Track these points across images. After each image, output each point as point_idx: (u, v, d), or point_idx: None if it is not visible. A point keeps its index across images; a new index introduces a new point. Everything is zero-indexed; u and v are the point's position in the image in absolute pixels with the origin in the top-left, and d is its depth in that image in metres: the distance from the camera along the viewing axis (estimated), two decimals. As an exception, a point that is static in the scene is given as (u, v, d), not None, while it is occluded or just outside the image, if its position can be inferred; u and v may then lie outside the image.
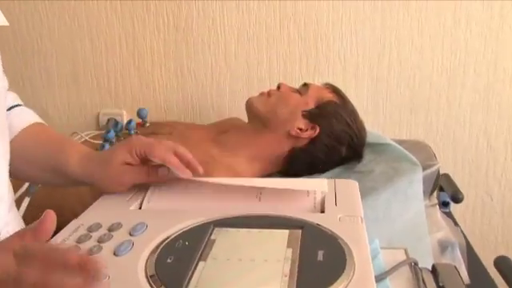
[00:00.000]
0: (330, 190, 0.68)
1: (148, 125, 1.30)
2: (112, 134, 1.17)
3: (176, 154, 0.70)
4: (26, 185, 1.08)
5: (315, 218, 0.60)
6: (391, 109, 1.56)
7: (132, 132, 1.22)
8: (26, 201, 1.07)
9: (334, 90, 1.25)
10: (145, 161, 0.72)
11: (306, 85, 1.26)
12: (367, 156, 1.22)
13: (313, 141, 1.18)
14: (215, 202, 0.68)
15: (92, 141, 1.22)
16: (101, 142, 1.18)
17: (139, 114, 1.31)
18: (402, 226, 0.95)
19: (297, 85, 1.34)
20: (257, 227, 0.58)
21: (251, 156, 1.19)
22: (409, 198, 1.05)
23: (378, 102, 1.56)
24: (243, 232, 0.58)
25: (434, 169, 1.15)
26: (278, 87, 1.26)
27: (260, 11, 1.50)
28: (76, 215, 1.03)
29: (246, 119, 1.40)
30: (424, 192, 1.08)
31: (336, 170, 1.20)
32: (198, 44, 1.55)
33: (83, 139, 1.25)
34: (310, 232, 0.57)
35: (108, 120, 1.61)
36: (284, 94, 1.23)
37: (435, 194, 1.21)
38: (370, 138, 1.25)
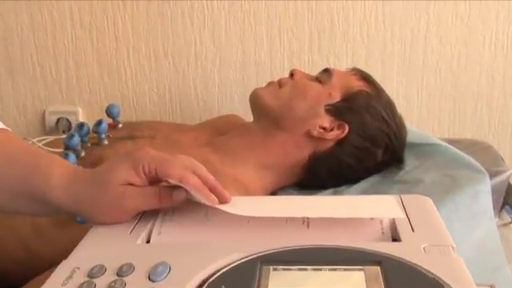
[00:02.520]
0: (396, 210, 0.68)
1: (121, 126, 1.27)
2: (76, 139, 1.14)
3: (195, 174, 0.69)
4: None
5: (391, 250, 0.59)
6: (429, 99, 1.56)
7: (103, 136, 1.19)
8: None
9: (364, 77, 1.25)
10: (153, 181, 0.70)
11: (327, 71, 1.26)
12: (410, 161, 1.22)
13: (340, 143, 1.18)
14: (249, 232, 0.67)
15: (47, 148, 1.19)
16: (61, 150, 1.14)
17: (109, 111, 1.28)
18: (470, 252, 0.95)
19: (306, 70, 1.33)
20: (318, 264, 0.57)
21: (260, 164, 1.18)
22: (475, 215, 1.05)
23: (412, 90, 1.56)
24: (301, 270, 0.56)
25: (504, 177, 1.16)
26: (291, 74, 1.25)
27: (258, -25, 1.50)
28: (30, 250, 1.01)
29: (245, 116, 1.39)
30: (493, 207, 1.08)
31: (371, 180, 1.20)
32: (178, 18, 1.53)
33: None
34: (392, 269, 0.55)
35: (58, 120, 1.60)
36: (300, 84, 1.22)
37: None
38: (410, 138, 1.25)
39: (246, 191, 1.10)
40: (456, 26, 1.52)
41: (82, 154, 1.16)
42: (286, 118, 1.18)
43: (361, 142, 1.18)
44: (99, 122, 1.19)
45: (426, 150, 1.24)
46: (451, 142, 1.28)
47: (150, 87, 1.58)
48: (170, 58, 1.56)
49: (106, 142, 1.19)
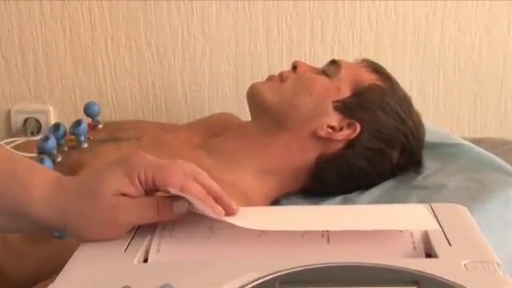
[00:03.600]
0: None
1: (101, 126, 1.26)
2: (52, 142, 1.12)
3: (197, 182, 0.69)
4: None
5: (427, 267, 0.58)
6: (446, 93, 1.56)
7: (82, 139, 1.17)
8: None
9: (376, 69, 1.25)
10: (149, 190, 0.70)
11: (334, 63, 1.25)
12: (429, 163, 1.21)
13: (351, 144, 1.17)
14: (262, 248, 0.66)
15: (17, 153, 1.16)
16: (34, 154, 1.13)
17: (88, 110, 1.27)
18: (503, 266, 0.95)
19: (307, 62, 1.33)
20: (345, 284, 0.56)
21: (261, 169, 1.17)
22: (508, 223, 1.05)
23: (427, 83, 1.56)
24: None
25: (538, 180, 1.16)
26: (294, 67, 1.25)
27: (252, -44, 1.50)
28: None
29: (240, 115, 1.40)
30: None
31: (385, 186, 1.20)
32: (162, 5, 1.52)
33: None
34: (431, 290, 0.55)
35: (25, 121, 1.59)
36: (305, 78, 1.22)
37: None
38: (429, 137, 1.25)
39: (247, 199, 1.10)
40: (477, 11, 1.52)
41: (59, 158, 1.14)
42: (289, 117, 1.18)
43: (374, 143, 1.18)
44: (78, 122, 1.18)
45: (447, 151, 1.24)
46: (474, 141, 1.28)
47: (130, 82, 1.57)
48: (154, 50, 1.55)
49: (85, 145, 1.18)
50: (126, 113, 1.58)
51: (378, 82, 1.22)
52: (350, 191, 1.20)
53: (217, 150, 1.19)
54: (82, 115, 1.29)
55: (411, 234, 0.66)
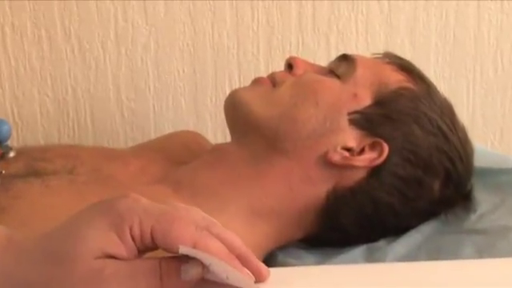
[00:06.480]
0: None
1: (13, 155, 1.23)
2: None
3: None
4: None
5: None
6: (485, 98, 1.61)
7: (-7, 174, 1.14)
8: None
9: (404, 67, 1.26)
10: (145, 249, 0.70)
11: (346, 58, 1.26)
12: (483, 197, 1.23)
13: (375, 172, 1.17)
14: None
15: None
16: None
17: (-8, 132, 1.24)
18: None
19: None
20: None
21: (251, 210, 1.16)
22: None
23: (459, 85, 1.60)
24: None
25: None
26: (289, 66, 1.26)
27: None
28: None
29: (206, 134, 1.39)
30: None
31: (424, 230, 1.20)
32: (87, -21, 1.53)
33: None
34: None
35: None
36: (306, 80, 1.22)
37: None
38: (478, 160, 1.26)
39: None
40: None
41: (-42, 202, 1.11)
42: (288, 136, 1.18)
43: (408, 170, 1.18)
44: (-16, 150, 1.15)
45: (505, 179, 1.26)
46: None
47: (41, 89, 1.58)
48: (75, 43, 1.56)
49: (-5, 183, 1.14)
50: (34, 133, 1.59)
51: (409, 85, 1.22)
52: (375, 239, 1.20)
53: (186, 185, 1.17)
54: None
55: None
